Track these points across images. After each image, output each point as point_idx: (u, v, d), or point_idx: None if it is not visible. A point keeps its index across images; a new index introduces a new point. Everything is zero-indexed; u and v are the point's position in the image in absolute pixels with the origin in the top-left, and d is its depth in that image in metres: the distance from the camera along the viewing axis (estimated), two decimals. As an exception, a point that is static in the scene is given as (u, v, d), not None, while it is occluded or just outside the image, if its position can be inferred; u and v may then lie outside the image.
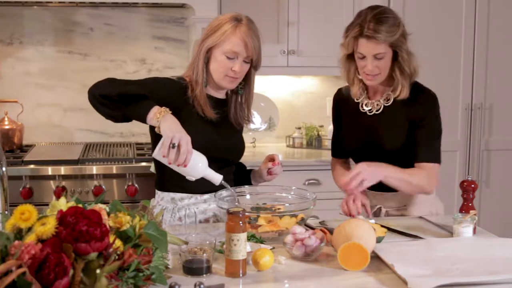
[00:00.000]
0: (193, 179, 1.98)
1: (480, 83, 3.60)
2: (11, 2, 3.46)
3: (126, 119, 2.03)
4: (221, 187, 2.03)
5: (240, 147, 2.26)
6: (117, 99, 1.96)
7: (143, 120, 1.94)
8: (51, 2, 3.52)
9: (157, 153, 1.91)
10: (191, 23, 3.47)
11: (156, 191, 2.23)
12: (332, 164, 2.48)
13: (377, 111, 2.25)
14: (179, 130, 1.87)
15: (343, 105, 2.37)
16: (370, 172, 2.04)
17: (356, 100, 2.30)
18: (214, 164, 2.03)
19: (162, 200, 2.19)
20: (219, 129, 2.15)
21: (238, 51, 2.07)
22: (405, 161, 2.20)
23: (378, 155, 2.21)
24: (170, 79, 2.15)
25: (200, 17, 3.25)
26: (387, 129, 2.23)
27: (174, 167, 1.91)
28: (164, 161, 1.90)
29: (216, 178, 1.98)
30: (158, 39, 3.75)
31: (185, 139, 1.87)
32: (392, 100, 2.23)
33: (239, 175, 2.30)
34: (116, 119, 2.05)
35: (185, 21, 3.71)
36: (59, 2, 3.50)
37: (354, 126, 2.30)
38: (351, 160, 2.46)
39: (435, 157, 2.20)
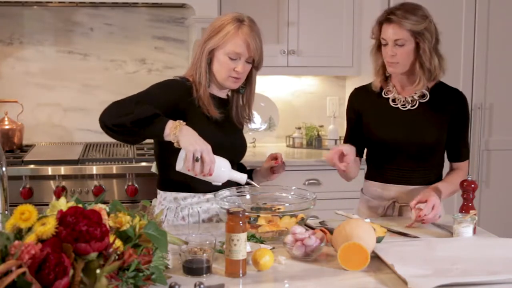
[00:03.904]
0: (220, 183, 2.00)
1: (480, 83, 3.60)
2: (11, 2, 3.46)
3: (143, 139, 2.05)
4: (222, 187, 2.05)
5: (244, 146, 2.27)
6: (131, 126, 1.94)
7: (161, 138, 1.93)
8: (51, 2, 3.52)
9: (182, 168, 1.92)
10: (191, 23, 3.47)
11: (158, 191, 2.23)
12: None
13: (412, 106, 2.29)
14: (198, 142, 1.89)
15: (366, 102, 2.37)
16: (439, 202, 2.11)
17: (384, 96, 2.33)
18: None
19: (165, 200, 2.19)
20: (224, 129, 2.15)
21: (241, 52, 2.08)
22: (436, 154, 2.31)
23: (416, 149, 2.27)
24: (175, 81, 2.15)
25: (200, 17, 3.26)
26: (427, 124, 2.27)
27: (199, 176, 1.94)
28: (190, 173, 1.92)
29: (242, 178, 2.01)
30: (158, 39, 3.75)
31: (206, 150, 1.88)
32: (428, 96, 2.27)
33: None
34: (133, 142, 2.08)
35: (185, 21, 3.71)
36: (59, 2, 3.50)
37: (386, 121, 2.31)
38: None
39: (469, 154, 2.38)
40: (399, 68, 2.23)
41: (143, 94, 2.06)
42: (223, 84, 2.14)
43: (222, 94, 2.22)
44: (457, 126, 2.29)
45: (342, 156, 2.12)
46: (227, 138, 2.15)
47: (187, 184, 2.13)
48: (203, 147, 1.88)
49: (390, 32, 2.18)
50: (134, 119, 1.92)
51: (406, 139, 2.27)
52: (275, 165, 2.20)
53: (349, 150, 2.13)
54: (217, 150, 2.04)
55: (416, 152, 2.28)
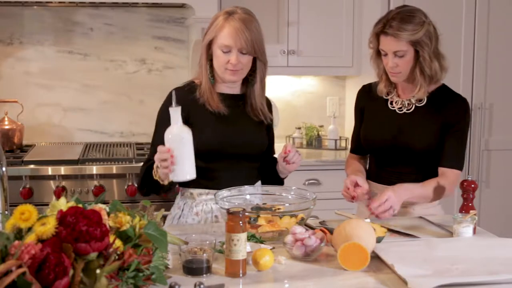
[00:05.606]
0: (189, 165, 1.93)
1: (480, 83, 3.60)
2: (11, 2, 3.46)
3: (170, 187, 2.10)
4: (237, 184, 2.09)
5: (258, 141, 2.23)
6: (147, 187, 2.14)
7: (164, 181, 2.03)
8: (51, 2, 3.52)
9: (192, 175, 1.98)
10: (191, 23, 3.47)
11: (180, 187, 2.28)
12: (349, 161, 2.48)
13: (407, 110, 2.28)
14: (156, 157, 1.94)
15: (369, 100, 2.38)
16: (396, 199, 2.09)
17: (385, 97, 2.32)
18: (231, 160, 2.12)
19: (183, 195, 2.24)
20: (235, 125, 2.16)
21: (228, 44, 2.08)
22: (431, 161, 2.26)
23: (405, 153, 2.26)
24: (175, 89, 2.13)
25: (200, 17, 3.25)
26: (418, 129, 2.25)
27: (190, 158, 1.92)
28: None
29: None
30: (158, 39, 3.75)
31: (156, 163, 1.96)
32: (425, 101, 2.26)
33: (272, 170, 2.27)
34: (168, 191, 2.18)
35: (185, 21, 3.71)
36: (59, 2, 3.50)
37: (382, 123, 2.31)
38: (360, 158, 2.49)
39: (459, 165, 2.26)
40: (401, 77, 2.23)
41: (154, 137, 2.17)
42: (223, 78, 2.14)
43: (233, 90, 2.22)
44: (449, 131, 2.24)
45: (356, 185, 2.18)
46: (238, 134, 2.16)
47: (203, 181, 2.15)
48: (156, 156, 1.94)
49: (388, 44, 2.16)
50: (139, 183, 2.17)
51: (393, 142, 2.26)
52: (284, 155, 2.18)
53: (363, 182, 2.20)
54: (227, 146, 2.12)
55: (406, 156, 2.26)
